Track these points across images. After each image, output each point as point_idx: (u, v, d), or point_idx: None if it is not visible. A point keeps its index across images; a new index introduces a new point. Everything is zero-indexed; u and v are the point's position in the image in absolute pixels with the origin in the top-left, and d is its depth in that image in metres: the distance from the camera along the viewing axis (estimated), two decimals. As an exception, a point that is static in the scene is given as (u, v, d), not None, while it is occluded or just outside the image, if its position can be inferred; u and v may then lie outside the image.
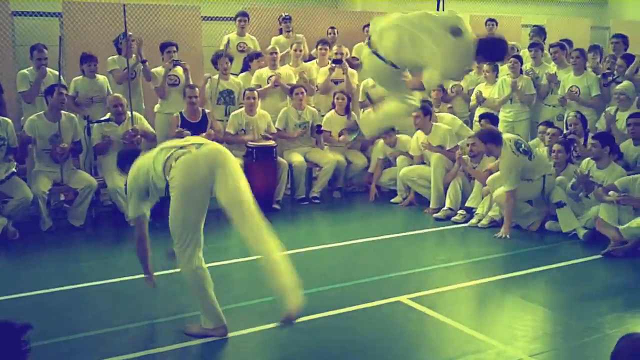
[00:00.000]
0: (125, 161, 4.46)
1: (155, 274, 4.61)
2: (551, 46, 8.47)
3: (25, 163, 7.05)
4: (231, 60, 8.15)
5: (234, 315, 4.48)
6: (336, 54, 8.55)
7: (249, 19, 8.97)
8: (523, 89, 8.24)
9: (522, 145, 6.60)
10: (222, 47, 8.11)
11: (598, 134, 6.70)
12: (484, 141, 6.63)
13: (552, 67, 8.34)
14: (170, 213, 3.96)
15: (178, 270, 5.34)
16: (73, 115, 7.02)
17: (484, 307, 4.93)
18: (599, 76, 7.97)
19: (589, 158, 6.53)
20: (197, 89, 7.48)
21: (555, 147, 6.90)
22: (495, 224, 6.68)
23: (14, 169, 6.59)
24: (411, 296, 4.80)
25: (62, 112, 6.82)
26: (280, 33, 9.31)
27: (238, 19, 8.87)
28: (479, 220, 6.82)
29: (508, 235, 6.37)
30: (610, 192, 5.93)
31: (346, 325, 4.37)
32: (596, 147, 6.37)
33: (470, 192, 7.17)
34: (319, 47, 8.78)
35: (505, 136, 6.67)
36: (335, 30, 9.33)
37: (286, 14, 9.30)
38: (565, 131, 7.44)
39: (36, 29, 8.45)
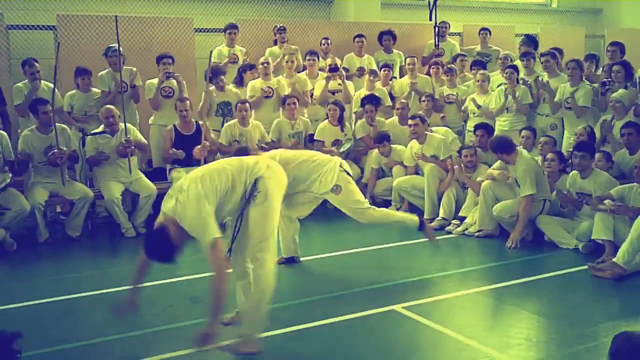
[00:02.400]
0: None
1: (151, 283, 4.62)
2: (542, 55, 8.48)
3: (22, 176, 7.05)
4: (224, 74, 8.16)
5: (226, 324, 4.49)
6: (330, 64, 8.61)
7: (238, 30, 8.99)
8: (520, 98, 8.27)
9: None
10: (214, 60, 8.12)
11: (581, 145, 6.52)
12: (496, 152, 6.64)
13: (545, 76, 8.36)
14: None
15: (171, 280, 5.43)
16: (65, 126, 7.03)
17: (478, 315, 4.93)
18: (596, 85, 7.94)
19: (575, 171, 6.49)
20: (188, 102, 7.49)
21: (549, 155, 6.90)
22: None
23: (8, 181, 6.61)
24: (405, 305, 4.81)
25: (56, 123, 6.82)
26: (275, 44, 9.34)
27: (228, 31, 8.89)
28: (466, 229, 6.93)
29: (518, 244, 6.42)
30: (606, 201, 5.87)
31: (340, 334, 4.37)
32: (585, 160, 6.28)
33: (464, 202, 7.20)
34: (307, 58, 8.81)
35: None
36: (329, 41, 9.36)
37: (280, 25, 9.34)
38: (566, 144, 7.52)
39: (31, 42, 8.49)
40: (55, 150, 6.62)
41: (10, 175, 6.66)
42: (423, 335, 4.43)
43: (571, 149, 7.27)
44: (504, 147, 6.60)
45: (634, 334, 2.33)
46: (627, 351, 2.28)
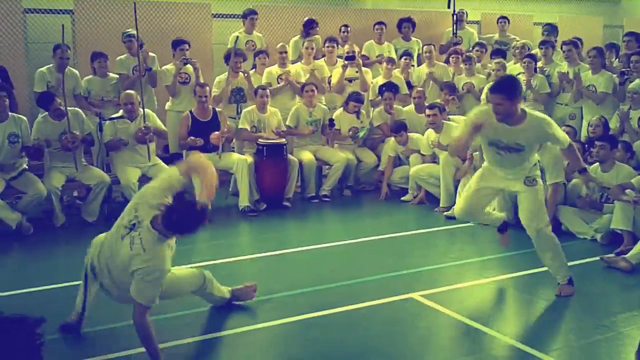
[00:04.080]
0: None
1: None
2: (564, 43, 8.41)
3: (41, 160, 7.05)
4: (245, 59, 8.14)
5: (244, 311, 4.50)
6: (348, 52, 8.54)
7: (257, 16, 8.93)
8: (537, 87, 8.20)
9: None
10: (230, 46, 8.09)
11: (605, 136, 6.57)
12: None
13: (564, 66, 8.29)
14: None
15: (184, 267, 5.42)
16: (78, 109, 7.00)
17: (496, 304, 4.92)
18: (615, 75, 7.89)
19: (595, 163, 6.43)
20: (207, 87, 7.46)
21: (570, 145, 6.85)
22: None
23: (25, 166, 6.64)
24: (423, 293, 4.80)
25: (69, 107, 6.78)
26: (306, 36, 8.98)
27: (249, 16, 8.83)
28: None
29: None
30: (628, 191, 5.82)
31: (358, 322, 4.37)
32: (604, 150, 6.25)
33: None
34: (327, 44, 8.73)
35: None
36: (349, 29, 9.29)
37: (310, 17, 9.16)
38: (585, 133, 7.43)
39: (48, 26, 8.46)
40: (67, 134, 6.61)
41: (27, 160, 6.69)
42: (441, 323, 4.42)
43: (589, 137, 7.23)
44: None
45: None
46: None
